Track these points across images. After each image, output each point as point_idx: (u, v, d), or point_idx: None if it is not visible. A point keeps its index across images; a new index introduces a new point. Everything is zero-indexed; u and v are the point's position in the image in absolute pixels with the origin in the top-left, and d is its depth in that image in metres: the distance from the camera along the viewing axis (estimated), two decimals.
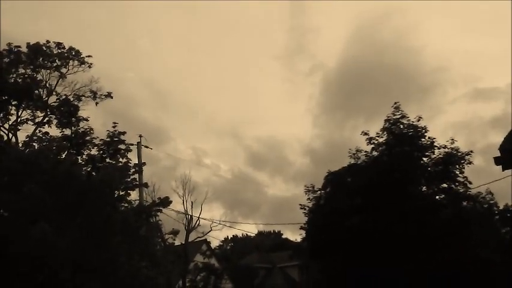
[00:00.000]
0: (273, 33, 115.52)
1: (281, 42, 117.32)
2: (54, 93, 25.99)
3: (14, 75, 24.68)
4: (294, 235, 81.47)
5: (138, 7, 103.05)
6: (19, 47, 24.86)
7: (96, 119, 24.45)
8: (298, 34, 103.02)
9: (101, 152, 22.50)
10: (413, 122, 27.33)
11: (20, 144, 23.95)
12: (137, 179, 23.30)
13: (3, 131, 24.31)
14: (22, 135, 24.51)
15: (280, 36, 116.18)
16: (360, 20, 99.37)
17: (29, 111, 25.15)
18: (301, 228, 29.82)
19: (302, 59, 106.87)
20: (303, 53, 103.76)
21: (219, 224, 42.01)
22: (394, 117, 27.67)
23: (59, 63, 26.01)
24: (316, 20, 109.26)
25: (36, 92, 25.15)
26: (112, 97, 26.69)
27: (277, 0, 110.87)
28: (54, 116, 25.12)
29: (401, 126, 27.42)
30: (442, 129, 79.76)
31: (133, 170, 22.54)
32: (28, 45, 25.11)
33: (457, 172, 26.29)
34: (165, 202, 22.98)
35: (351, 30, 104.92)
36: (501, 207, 30.23)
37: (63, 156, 21.72)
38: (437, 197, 26.98)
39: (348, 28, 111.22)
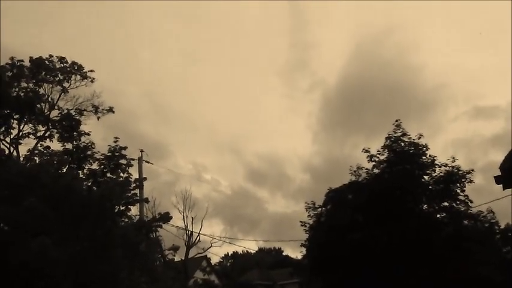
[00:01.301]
0: (274, 49, 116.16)
1: (282, 57, 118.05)
2: (56, 107, 26.08)
3: (17, 89, 24.75)
4: (295, 252, 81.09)
5: (139, 20, 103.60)
6: (22, 61, 24.97)
7: (96, 133, 24.50)
8: (299, 50, 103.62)
9: (102, 166, 22.50)
10: (414, 139, 27.33)
11: (22, 158, 23.99)
12: (138, 194, 23.31)
13: (4, 145, 24.36)
14: (23, 149, 24.58)
15: (282, 52, 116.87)
16: (360, 36, 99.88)
17: (30, 125, 25.21)
18: (302, 245, 29.69)
19: (303, 74, 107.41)
20: (304, 68, 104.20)
21: (219, 240, 41.94)
22: (395, 135, 27.67)
23: (61, 77, 26.11)
24: (318, 36, 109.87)
25: (38, 106, 25.21)
26: (114, 112, 26.80)
27: (279, 15, 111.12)
28: (55, 130, 25.15)
29: (403, 144, 27.40)
30: (442, 146, 79.70)
31: (134, 185, 22.55)
32: (31, 59, 25.24)
33: (458, 191, 26.21)
34: (166, 218, 23.00)
35: (351, 47, 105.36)
36: (502, 226, 30.18)
37: (64, 170, 21.79)
38: (438, 215, 26.90)
39: (348, 45, 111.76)
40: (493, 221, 28.55)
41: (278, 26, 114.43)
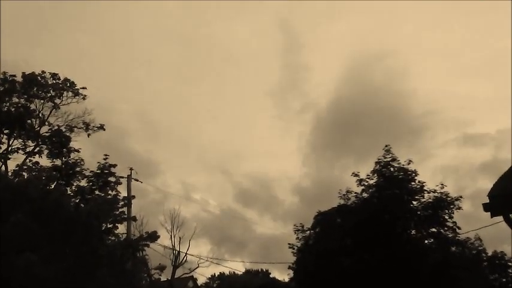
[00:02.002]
0: (266, 70, 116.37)
1: (274, 78, 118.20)
2: (46, 123, 26.07)
3: (8, 104, 24.74)
4: (282, 275, 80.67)
5: (134, 39, 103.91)
6: (14, 76, 24.99)
7: (86, 150, 24.46)
8: (291, 72, 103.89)
9: (91, 183, 22.43)
10: (403, 165, 27.44)
11: (10, 173, 23.86)
12: (126, 212, 23.23)
13: None
14: (12, 164, 24.46)
15: (273, 73, 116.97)
16: (352, 60, 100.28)
17: (20, 140, 25.16)
18: (290, 267, 29.57)
19: (294, 96, 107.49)
20: (295, 90, 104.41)
21: (207, 260, 41.61)
22: (385, 160, 27.77)
23: (53, 93, 26.15)
24: (310, 58, 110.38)
25: (29, 121, 25.19)
26: (104, 129, 26.82)
27: (272, 37, 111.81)
28: (45, 146, 25.11)
29: (392, 169, 27.49)
30: (431, 172, 79.90)
31: (122, 203, 22.48)
32: (23, 75, 25.25)
33: (446, 217, 26.27)
34: (153, 236, 22.91)
35: (343, 70, 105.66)
36: (489, 254, 30.21)
37: (53, 186, 21.67)
38: (426, 241, 26.92)
39: (340, 68, 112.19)
40: (481, 248, 28.61)
41: (270, 48, 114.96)
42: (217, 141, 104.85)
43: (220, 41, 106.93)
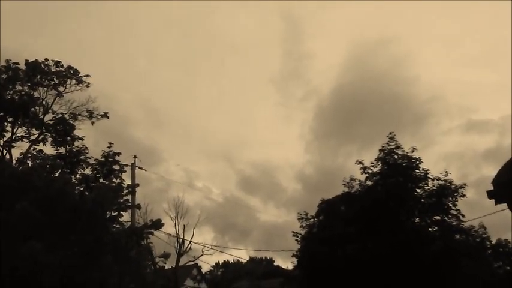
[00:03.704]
0: (269, 57, 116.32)
1: (276, 66, 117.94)
2: (50, 111, 26.02)
3: (11, 92, 24.71)
4: (286, 262, 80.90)
5: (136, 27, 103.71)
6: (17, 63, 24.93)
7: (89, 138, 24.41)
8: (294, 59, 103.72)
9: (95, 171, 22.46)
10: (407, 152, 27.39)
11: (14, 161, 23.90)
12: (130, 200, 23.26)
13: None
14: (16, 152, 24.49)
15: (276, 60, 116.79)
16: (355, 47, 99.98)
17: (24, 128, 25.15)
18: (293, 255, 29.64)
19: (296, 84, 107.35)
20: (298, 78, 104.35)
21: (211, 248, 41.72)
22: (389, 148, 27.73)
23: (56, 81, 26.06)
24: (312, 45, 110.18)
25: (33, 109, 25.16)
26: (108, 117, 26.73)
27: (274, 25, 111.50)
28: (49, 134, 25.10)
29: (396, 157, 27.45)
30: (434, 159, 79.73)
31: (127, 191, 22.50)
32: (26, 63, 25.19)
33: (450, 204, 26.26)
34: (157, 224, 22.92)
35: (346, 57, 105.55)
36: (494, 242, 30.23)
37: (57, 174, 21.69)
38: (430, 229, 26.91)
39: (343, 55, 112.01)
40: (485, 235, 28.63)
41: (272, 36, 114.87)
42: (219, 129, 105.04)
43: (222, 29, 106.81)
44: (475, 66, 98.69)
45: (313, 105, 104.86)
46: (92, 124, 26.44)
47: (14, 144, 24.87)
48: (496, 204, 10.72)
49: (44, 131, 25.21)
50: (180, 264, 39.98)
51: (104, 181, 22.19)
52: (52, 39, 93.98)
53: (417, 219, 27.10)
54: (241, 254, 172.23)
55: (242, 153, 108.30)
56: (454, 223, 26.21)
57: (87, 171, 22.94)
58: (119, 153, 22.61)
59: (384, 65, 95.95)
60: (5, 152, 24.48)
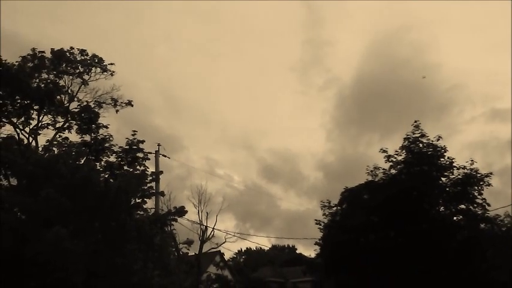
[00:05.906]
0: (289, 45, 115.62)
1: (296, 54, 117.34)
2: (75, 99, 26.18)
3: (37, 80, 24.90)
4: (308, 250, 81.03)
5: (155, 15, 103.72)
6: (43, 52, 25.11)
7: (111, 126, 24.50)
8: (314, 47, 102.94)
9: (119, 159, 22.61)
10: (432, 141, 27.15)
11: (40, 149, 24.15)
12: (154, 187, 23.40)
13: (23, 135, 24.53)
14: (42, 140, 24.71)
15: (296, 48, 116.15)
16: (376, 34, 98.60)
17: (50, 116, 25.33)
18: (316, 243, 29.64)
19: (317, 72, 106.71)
20: (318, 66, 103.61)
21: (234, 235, 41.93)
22: (414, 136, 27.51)
23: (81, 69, 26.20)
24: (333, 33, 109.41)
25: (58, 97, 25.35)
26: (132, 105, 26.82)
27: (294, 12, 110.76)
28: (74, 122, 25.27)
29: (421, 145, 27.24)
30: (457, 148, 78.95)
31: (150, 178, 22.63)
32: (52, 51, 25.36)
33: (476, 193, 26.02)
34: (181, 211, 23.05)
35: (367, 45, 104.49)
36: None
37: (82, 161, 21.88)
38: (454, 218, 26.71)
39: (364, 42, 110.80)
40: (510, 225, 28.28)
41: (293, 23, 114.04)
42: (240, 117, 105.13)
43: (242, 17, 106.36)
44: (498, 53, 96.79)
45: (334, 93, 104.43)
46: (117, 112, 26.61)
47: (40, 132, 25.09)
48: None
49: (69, 118, 25.39)
50: (203, 251, 40.26)
51: (128, 168, 22.32)
52: (70, 26, 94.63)
53: (441, 208, 26.91)
54: (263, 242, 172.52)
55: (262, 142, 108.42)
56: (479, 212, 25.97)
57: (112, 158, 23.08)
58: (143, 141, 22.71)
59: (405, 52, 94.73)
60: (31, 139, 24.72)
